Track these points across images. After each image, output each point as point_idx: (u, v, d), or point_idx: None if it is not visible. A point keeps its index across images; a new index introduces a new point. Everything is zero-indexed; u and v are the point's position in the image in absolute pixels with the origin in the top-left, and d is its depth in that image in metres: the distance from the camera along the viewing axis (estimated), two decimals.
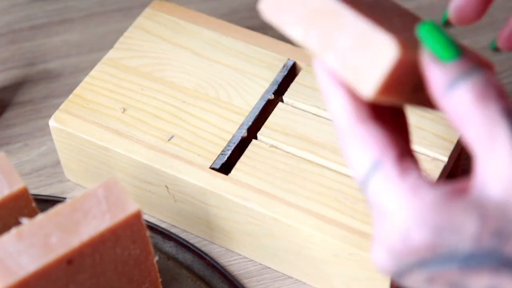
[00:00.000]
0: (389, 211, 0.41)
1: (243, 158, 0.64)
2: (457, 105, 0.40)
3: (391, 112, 0.44)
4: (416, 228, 0.40)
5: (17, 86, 0.79)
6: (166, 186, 0.66)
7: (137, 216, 0.54)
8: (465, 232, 0.39)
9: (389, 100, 0.42)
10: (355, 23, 0.41)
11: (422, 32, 0.41)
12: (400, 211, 0.41)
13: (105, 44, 0.81)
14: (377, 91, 0.41)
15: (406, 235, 0.41)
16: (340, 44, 0.42)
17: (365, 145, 0.42)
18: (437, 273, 0.41)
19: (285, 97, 0.67)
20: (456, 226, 0.40)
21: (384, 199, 0.42)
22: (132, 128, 0.67)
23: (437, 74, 0.41)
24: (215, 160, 0.64)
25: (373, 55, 0.41)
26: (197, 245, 0.68)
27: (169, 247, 0.67)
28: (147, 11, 0.74)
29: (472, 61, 0.40)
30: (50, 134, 0.74)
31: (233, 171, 0.64)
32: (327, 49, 0.42)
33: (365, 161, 0.42)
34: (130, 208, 0.54)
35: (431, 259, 0.41)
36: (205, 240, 0.68)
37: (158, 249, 0.66)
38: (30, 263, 0.51)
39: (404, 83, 0.42)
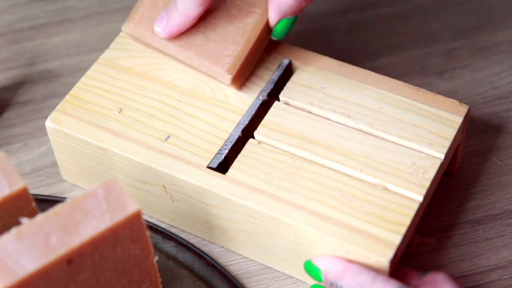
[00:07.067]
0: None
1: (240, 157, 0.64)
2: None
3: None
4: None
5: (17, 86, 0.79)
6: (164, 186, 0.66)
7: (137, 216, 0.54)
8: None
9: None
10: None
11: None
12: None
13: (105, 43, 0.81)
14: None
15: None
16: None
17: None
18: None
19: (281, 96, 0.67)
20: None
21: None
22: (129, 128, 0.67)
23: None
24: (212, 159, 0.65)
25: None
26: (197, 245, 0.68)
27: (169, 247, 0.67)
28: None
29: None
30: None
31: (230, 170, 0.64)
32: None
33: None
34: (130, 208, 0.54)
35: None
36: (205, 240, 0.68)
37: (158, 249, 0.66)
38: (30, 263, 0.51)
39: None
